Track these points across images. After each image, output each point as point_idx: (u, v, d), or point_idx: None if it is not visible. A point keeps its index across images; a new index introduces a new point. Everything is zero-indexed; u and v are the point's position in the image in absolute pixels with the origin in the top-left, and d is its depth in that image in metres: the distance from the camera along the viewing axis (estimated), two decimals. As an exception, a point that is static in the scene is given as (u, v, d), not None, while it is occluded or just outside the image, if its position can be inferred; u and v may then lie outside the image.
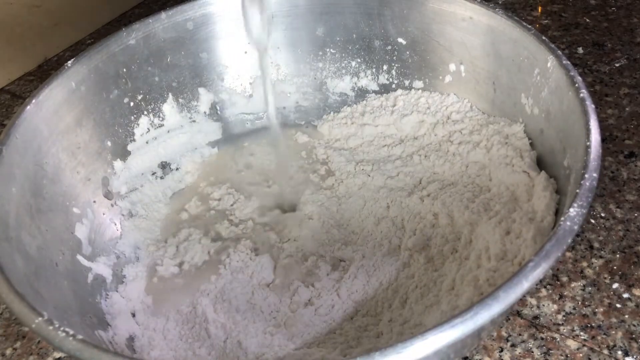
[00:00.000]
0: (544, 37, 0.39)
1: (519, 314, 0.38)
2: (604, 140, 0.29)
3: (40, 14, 0.65)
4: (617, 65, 0.55)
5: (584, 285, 0.39)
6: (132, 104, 0.47)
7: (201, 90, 0.51)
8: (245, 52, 0.51)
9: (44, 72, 0.66)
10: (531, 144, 0.41)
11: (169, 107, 0.49)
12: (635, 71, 0.54)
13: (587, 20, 0.61)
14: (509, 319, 0.38)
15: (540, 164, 0.40)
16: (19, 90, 0.65)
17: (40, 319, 0.27)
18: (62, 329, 0.27)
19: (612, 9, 0.63)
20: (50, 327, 0.27)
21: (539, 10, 0.64)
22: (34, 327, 0.27)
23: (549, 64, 0.38)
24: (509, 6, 0.66)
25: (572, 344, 0.36)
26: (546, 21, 0.62)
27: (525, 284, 0.25)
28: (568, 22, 0.62)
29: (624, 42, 0.58)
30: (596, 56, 0.57)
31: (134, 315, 0.40)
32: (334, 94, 0.53)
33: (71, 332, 0.27)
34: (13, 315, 0.35)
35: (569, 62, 0.36)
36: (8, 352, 0.40)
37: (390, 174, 0.46)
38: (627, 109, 0.50)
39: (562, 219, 0.28)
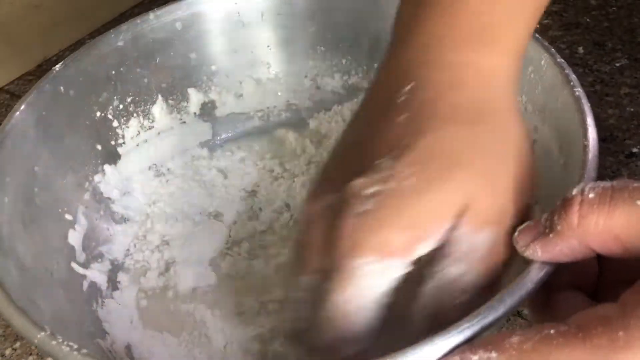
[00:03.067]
0: (537, 35, 0.39)
1: (519, 314, 0.38)
2: (604, 140, 0.30)
3: (39, 14, 0.65)
4: (617, 65, 0.55)
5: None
6: (121, 106, 0.47)
7: (191, 90, 0.50)
8: (235, 52, 0.50)
9: (43, 72, 0.65)
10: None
11: (158, 109, 0.49)
12: (636, 71, 0.55)
13: (588, 20, 0.62)
14: (509, 320, 0.38)
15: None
16: (18, 90, 0.64)
17: (42, 333, 0.27)
18: (65, 343, 0.26)
19: (612, 9, 0.63)
20: (54, 342, 0.26)
21: (540, 10, 0.64)
22: (37, 343, 0.27)
23: (542, 62, 0.38)
24: (510, 6, 0.66)
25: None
26: (547, 21, 0.62)
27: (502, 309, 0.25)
28: (569, 21, 0.62)
29: (624, 42, 0.59)
30: (597, 56, 0.57)
31: (131, 321, 0.40)
32: (325, 91, 0.53)
33: (75, 346, 0.26)
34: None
35: (563, 60, 0.37)
36: (7, 352, 0.41)
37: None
38: (627, 108, 0.51)
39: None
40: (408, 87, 0.29)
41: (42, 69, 0.67)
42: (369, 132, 0.29)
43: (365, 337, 0.26)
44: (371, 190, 0.26)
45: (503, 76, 0.30)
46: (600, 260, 0.27)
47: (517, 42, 0.31)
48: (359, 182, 0.26)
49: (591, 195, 0.24)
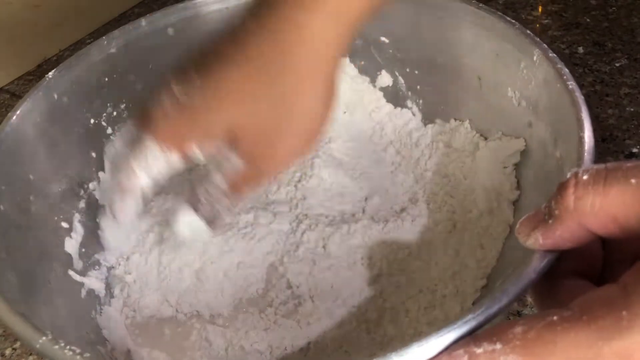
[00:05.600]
0: (528, 31, 0.39)
1: (519, 314, 0.38)
2: (604, 140, 0.30)
3: (40, 13, 0.65)
4: (617, 65, 0.56)
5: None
6: (115, 113, 0.46)
7: (184, 96, 0.50)
8: (227, 56, 0.50)
9: (43, 72, 0.66)
10: (518, 137, 0.42)
11: (152, 115, 0.49)
12: (636, 71, 0.55)
13: (588, 20, 0.62)
14: (509, 319, 0.38)
15: (529, 156, 0.41)
16: (18, 90, 0.65)
17: (44, 338, 0.27)
18: (68, 347, 0.26)
19: (612, 9, 0.64)
20: (56, 347, 0.26)
21: (540, 10, 0.64)
22: (39, 348, 0.27)
23: (535, 57, 0.38)
24: (509, 6, 0.66)
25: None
26: (547, 21, 0.63)
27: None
28: (569, 21, 0.63)
29: (624, 42, 0.59)
30: (597, 56, 0.58)
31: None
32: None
33: (78, 351, 0.26)
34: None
35: (555, 55, 0.37)
36: (7, 352, 0.41)
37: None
38: (627, 108, 0.51)
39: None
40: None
41: (42, 69, 0.67)
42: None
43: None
44: (181, 97, 0.34)
45: (320, 38, 0.34)
46: (605, 245, 0.27)
47: (341, 6, 0.34)
48: (177, 87, 0.35)
49: (585, 177, 0.24)
